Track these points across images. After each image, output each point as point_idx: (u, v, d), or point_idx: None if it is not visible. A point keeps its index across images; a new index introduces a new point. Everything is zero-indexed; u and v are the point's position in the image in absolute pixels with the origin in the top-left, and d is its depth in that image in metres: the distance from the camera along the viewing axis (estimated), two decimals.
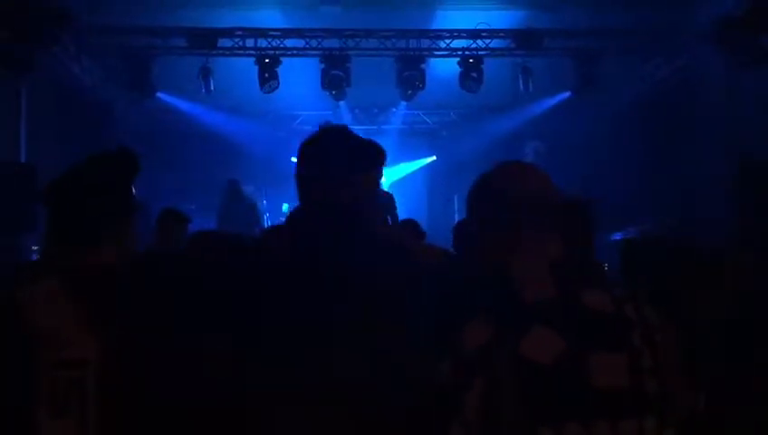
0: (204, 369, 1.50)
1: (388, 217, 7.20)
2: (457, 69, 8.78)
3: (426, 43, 8.79)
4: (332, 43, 8.63)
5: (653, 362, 1.31)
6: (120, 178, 1.66)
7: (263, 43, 8.60)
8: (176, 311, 1.59)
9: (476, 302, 1.43)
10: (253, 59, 8.58)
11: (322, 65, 8.64)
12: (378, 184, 1.76)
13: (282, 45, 8.62)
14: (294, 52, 8.68)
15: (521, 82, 8.99)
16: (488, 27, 8.64)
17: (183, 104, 10.01)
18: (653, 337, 1.34)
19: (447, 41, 8.79)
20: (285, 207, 9.78)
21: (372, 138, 1.79)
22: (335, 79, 8.63)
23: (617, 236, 8.08)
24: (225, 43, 8.52)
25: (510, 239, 1.45)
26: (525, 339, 1.30)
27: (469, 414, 1.30)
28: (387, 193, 8.02)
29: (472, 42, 8.73)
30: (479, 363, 1.32)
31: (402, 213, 10.34)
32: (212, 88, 8.79)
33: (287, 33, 8.58)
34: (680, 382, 1.35)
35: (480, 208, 1.53)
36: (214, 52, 8.53)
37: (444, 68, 9.05)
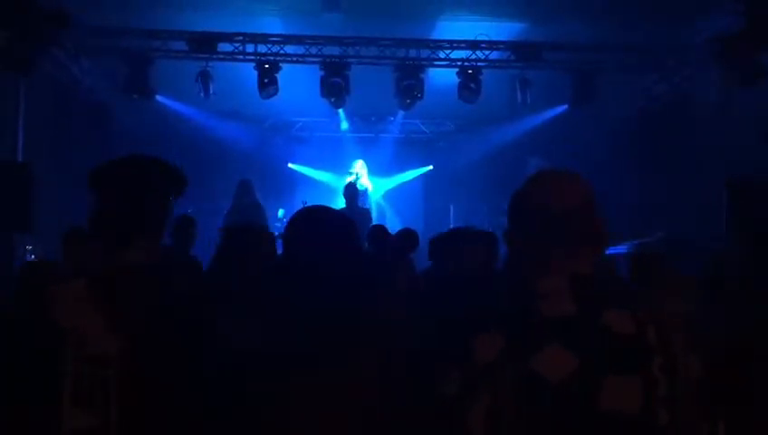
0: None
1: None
2: (456, 79, 8.80)
3: (425, 52, 8.82)
4: (332, 50, 8.64)
5: (669, 392, 1.26)
6: (161, 186, 1.71)
7: (263, 48, 8.61)
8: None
9: (492, 315, 1.40)
10: (252, 64, 8.59)
11: (322, 72, 8.66)
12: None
13: (282, 51, 8.63)
14: (294, 58, 8.70)
15: (518, 93, 9.01)
16: (488, 39, 8.69)
17: (182, 108, 9.98)
18: (673, 365, 1.28)
19: (447, 51, 8.81)
20: (281, 212, 9.74)
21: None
22: (334, 86, 8.64)
23: (610, 252, 8.05)
24: (225, 47, 8.53)
25: (540, 255, 1.41)
26: (537, 355, 1.28)
27: (473, 426, 1.29)
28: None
29: (471, 53, 8.76)
30: (487, 376, 1.30)
31: (398, 222, 10.35)
32: (211, 92, 8.78)
33: (287, 39, 8.60)
34: (697, 412, 1.29)
35: (513, 221, 1.49)
36: (214, 56, 8.54)
37: (442, 78, 9.07)
